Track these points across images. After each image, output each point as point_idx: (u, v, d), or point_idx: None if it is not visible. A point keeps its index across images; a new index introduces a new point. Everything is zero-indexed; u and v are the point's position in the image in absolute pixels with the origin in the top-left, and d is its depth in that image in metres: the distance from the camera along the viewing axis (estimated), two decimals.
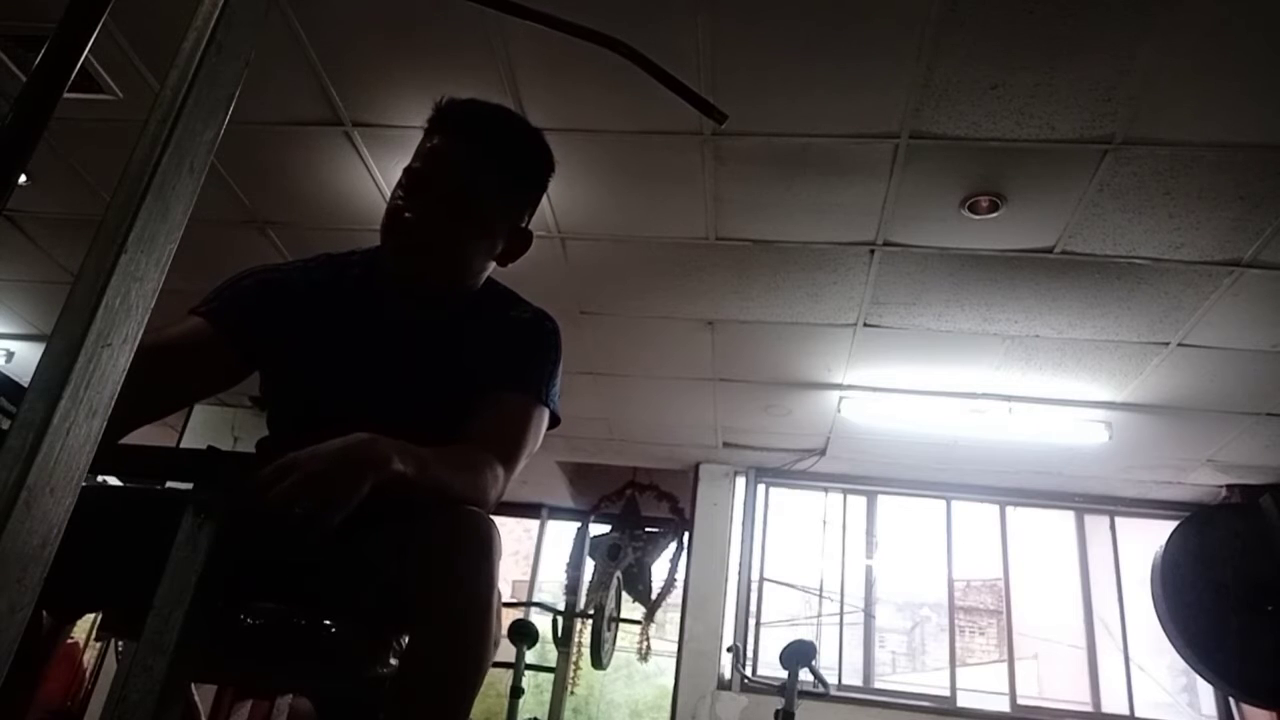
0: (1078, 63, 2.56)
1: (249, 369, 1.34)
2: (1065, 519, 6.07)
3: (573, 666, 6.20)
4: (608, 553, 6.50)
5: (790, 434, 5.46)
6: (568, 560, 6.86)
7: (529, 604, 6.46)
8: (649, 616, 6.57)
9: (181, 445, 5.62)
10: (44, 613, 1.20)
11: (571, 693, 6.33)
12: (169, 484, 1.19)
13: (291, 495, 0.95)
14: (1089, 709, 5.63)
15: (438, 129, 1.31)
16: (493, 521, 1.12)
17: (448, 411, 1.27)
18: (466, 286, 1.36)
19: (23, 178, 1.15)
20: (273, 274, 1.39)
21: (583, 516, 6.97)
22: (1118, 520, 5.92)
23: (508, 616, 4.30)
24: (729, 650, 5.39)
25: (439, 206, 1.26)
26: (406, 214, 1.26)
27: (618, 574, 6.34)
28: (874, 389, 4.74)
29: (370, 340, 1.33)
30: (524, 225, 1.40)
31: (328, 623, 1.22)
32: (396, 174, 1.32)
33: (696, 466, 6.11)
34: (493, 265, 1.39)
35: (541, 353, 1.36)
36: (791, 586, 6.45)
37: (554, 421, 1.37)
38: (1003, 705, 5.54)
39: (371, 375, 1.31)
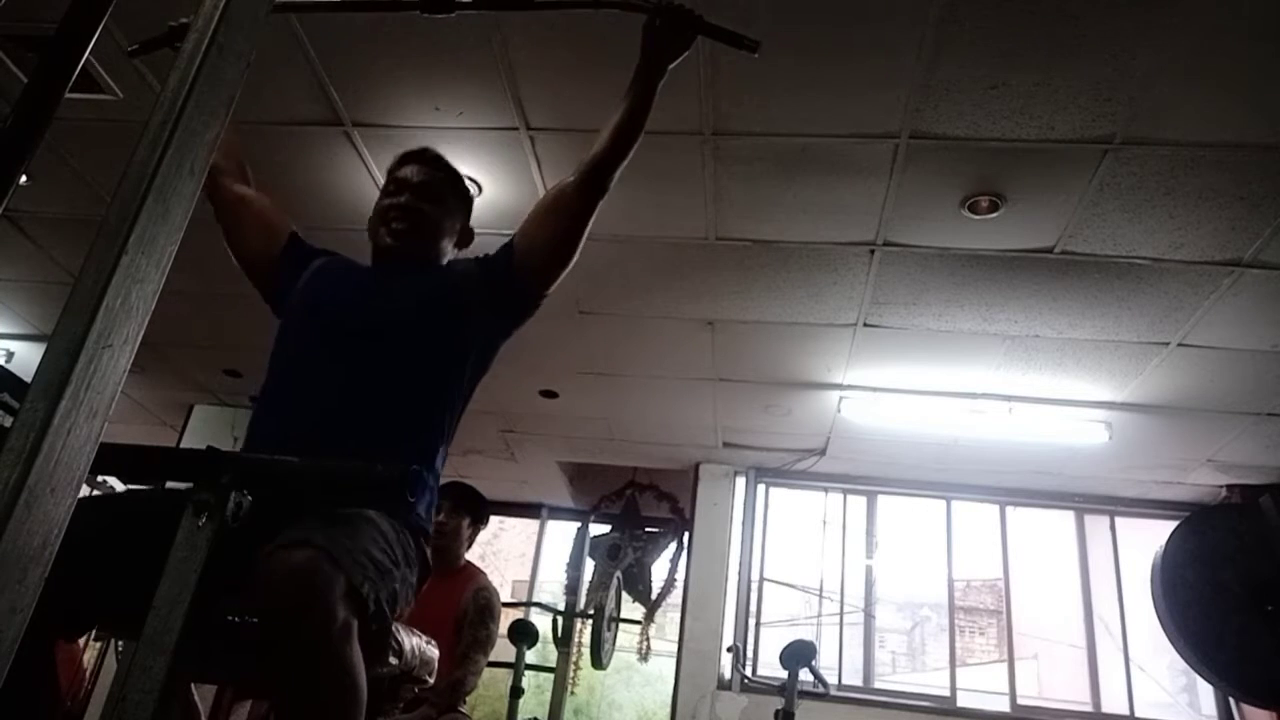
0: (1078, 63, 2.56)
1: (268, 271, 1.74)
2: (1065, 519, 6.07)
3: (573, 666, 6.19)
4: (608, 553, 6.49)
5: (790, 434, 5.46)
6: (568, 560, 6.84)
7: (529, 604, 6.45)
8: (649, 616, 6.56)
9: (181, 445, 5.62)
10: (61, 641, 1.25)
11: (572, 693, 6.32)
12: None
13: None
14: (1089, 709, 5.63)
15: (405, 161, 1.81)
16: (318, 562, 1.09)
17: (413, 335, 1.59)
18: (435, 257, 1.77)
19: (23, 178, 1.15)
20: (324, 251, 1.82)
21: (583, 516, 6.96)
22: (1118, 520, 5.91)
23: (508, 616, 4.30)
24: (729, 650, 5.38)
25: (421, 192, 1.75)
26: (400, 200, 1.74)
27: (618, 574, 6.33)
28: (874, 389, 4.74)
29: (355, 291, 1.69)
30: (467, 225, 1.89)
31: None
32: None
33: (696, 466, 6.10)
34: (452, 249, 1.82)
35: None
36: (791, 586, 6.44)
37: None
38: (1003, 705, 5.53)
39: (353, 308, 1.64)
